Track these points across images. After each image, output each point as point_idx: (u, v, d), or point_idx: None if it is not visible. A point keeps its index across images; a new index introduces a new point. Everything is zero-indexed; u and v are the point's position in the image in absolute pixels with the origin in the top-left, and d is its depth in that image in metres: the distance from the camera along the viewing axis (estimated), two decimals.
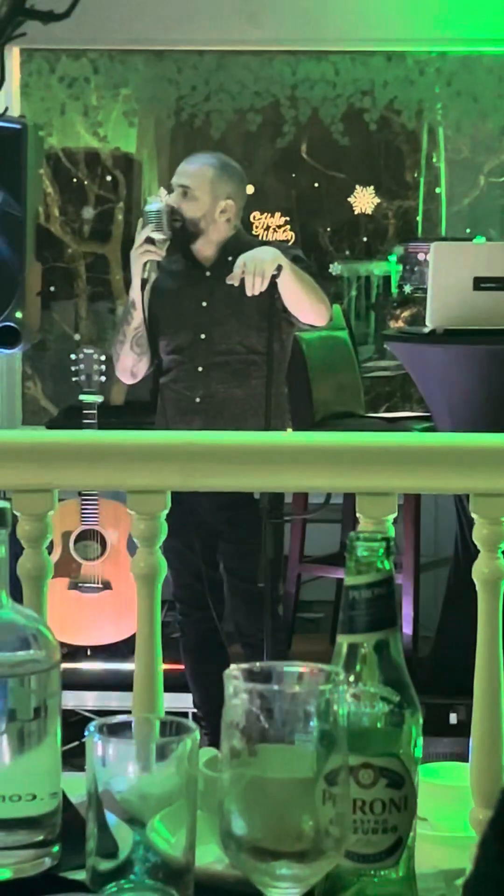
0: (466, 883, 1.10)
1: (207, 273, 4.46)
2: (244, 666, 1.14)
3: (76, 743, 1.20)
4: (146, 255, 4.39)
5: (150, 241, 4.38)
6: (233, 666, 1.14)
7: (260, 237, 7.47)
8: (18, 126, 4.81)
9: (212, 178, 4.49)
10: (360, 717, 1.23)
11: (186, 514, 4.20)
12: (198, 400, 4.46)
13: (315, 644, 5.23)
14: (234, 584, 4.54)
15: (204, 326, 4.42)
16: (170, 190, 4.53)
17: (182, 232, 4.44)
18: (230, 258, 4.41)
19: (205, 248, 4.49)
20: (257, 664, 1.15)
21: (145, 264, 4.42)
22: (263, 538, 4.18)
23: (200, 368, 4.44)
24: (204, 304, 4.45)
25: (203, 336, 4.43)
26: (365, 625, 1.24)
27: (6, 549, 1.31)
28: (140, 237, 4.40)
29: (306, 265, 4.48)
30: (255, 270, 4.24)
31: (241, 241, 4.55)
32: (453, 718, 4.67)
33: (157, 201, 4.44)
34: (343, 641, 1.25)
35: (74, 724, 1.36)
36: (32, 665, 1.29)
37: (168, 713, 1.43)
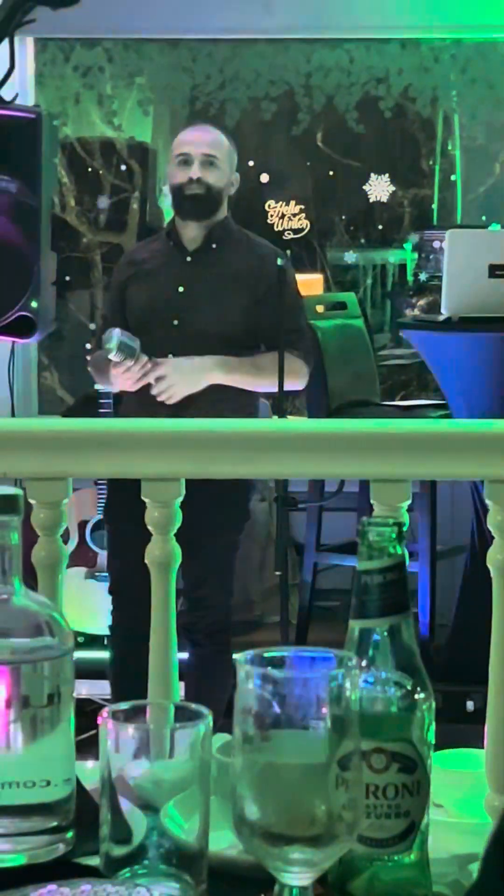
0: (468, 894, 1.11)
1: (188, 258, 4.25)
2: (257, 651, 1.14)
3: (93, 732, 1.20)
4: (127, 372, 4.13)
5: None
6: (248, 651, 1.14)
7: (275, 226, 7.46)
8: (33, 115, 4.79)
9: (228, 148, 4.30)
10: (373, 701, 1.23)
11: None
12: None
13: (332, 632, 5.22)
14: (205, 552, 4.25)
15: (177, 312, 4.19)
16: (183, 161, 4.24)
17: (207, 202, 4.20)
18: (214, 245, 4.24)
19: (194, 229, 4.26)
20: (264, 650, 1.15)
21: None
22: (279, 527, 4.17)
23: (170, 356, 4.17)
24: (181, 289, 4.21)
25: (176, 322, 4.18)
26: (377, 610, 1.24)
27: (19, 535, 1.31)
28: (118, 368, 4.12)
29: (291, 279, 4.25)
30: (167, 387, 4.11)
31: (229, 230, 4.31)
32: (470, 706, 4.67)
33: (111, 337, 4.08)
34: (355, 626, 1.25)
35: (92, 713, 1.36)
36: (46, 651, 1.29)
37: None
